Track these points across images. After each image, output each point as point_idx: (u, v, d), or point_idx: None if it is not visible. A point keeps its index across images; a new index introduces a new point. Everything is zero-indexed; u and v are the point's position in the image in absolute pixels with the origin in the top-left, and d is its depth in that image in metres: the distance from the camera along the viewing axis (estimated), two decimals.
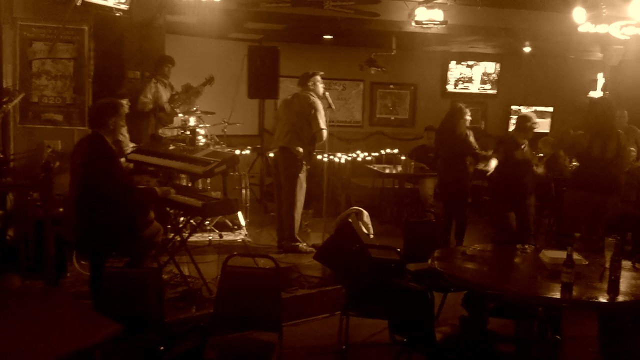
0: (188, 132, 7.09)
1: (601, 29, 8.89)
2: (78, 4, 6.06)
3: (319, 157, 7.69)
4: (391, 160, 9.86)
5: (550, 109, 13.57)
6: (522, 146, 6.62)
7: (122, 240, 4.72)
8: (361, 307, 4.50)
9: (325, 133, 6.89)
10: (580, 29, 8.82)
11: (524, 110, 13.47)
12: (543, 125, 13.08)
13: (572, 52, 12.18)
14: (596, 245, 5.76)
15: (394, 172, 9.16)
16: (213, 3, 8.25)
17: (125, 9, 6.44)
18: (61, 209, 5.61)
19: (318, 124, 6.84)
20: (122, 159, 5.73)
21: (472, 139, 7.32)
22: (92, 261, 4.92)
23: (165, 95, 7.66)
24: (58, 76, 6.59)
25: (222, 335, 3.87)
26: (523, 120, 6.74)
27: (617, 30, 8.84)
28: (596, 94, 11.33)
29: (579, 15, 8.28)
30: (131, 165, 5.95)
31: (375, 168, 9.39)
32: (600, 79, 11.39)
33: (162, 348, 3.08)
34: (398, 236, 5.76)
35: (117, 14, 6.54)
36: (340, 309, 4.62)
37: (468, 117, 7.36)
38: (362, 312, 4.53)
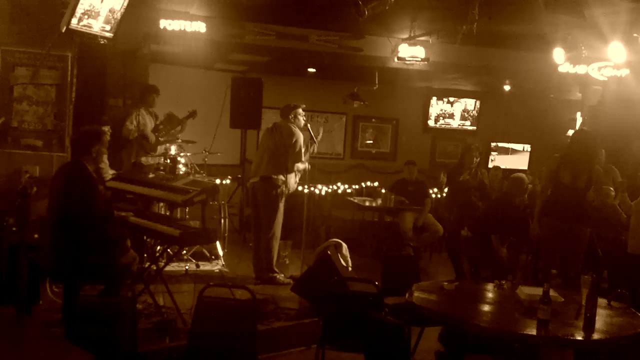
0: (168, 161, 7.08)
1: (580, 69, 9.10)
2: (62, 30, 6.06)
3: (300, 188, 7.70)
4: (371, 193, 9.88)
5: (529, 147, 13.74)
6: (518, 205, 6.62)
7: (97, 268, 4.66)
8: (338, 340, 4.47)
9: (301, 163, 6.90)
10: (560, 69, 8.99)
11: (500, 145, 13.57)
12: (521, 162, 13.27)
13: (552, 92, 12.38)
14: (573, 282, 5.80)
15: (374, 205, 9.17)
16: (198, 34, 8.33)
17: (110, 37, 6.43)
18: (37, 235, 5.54)
19: (295, 152, 6.86)
20: (101, 187, 5.69)
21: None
22: (66, 288, 4.85)
23: (150, 123, 7.67)
24: (40, 102, 6.54)
25: None
26: (521, 183, 6.76)
27: (595, 71, 9.04)
28: None
29: (558, 56, 8.46)
30: (109, 193, 5.90)
31: (356, 201, 9.41)
32: (579, 119, 11.56)
33: None
34: (377, 269, 5.74)
35: (102, 42, 6.54)
36: (317, 342, 4.58)
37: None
38: (339, 345, 4.49)
